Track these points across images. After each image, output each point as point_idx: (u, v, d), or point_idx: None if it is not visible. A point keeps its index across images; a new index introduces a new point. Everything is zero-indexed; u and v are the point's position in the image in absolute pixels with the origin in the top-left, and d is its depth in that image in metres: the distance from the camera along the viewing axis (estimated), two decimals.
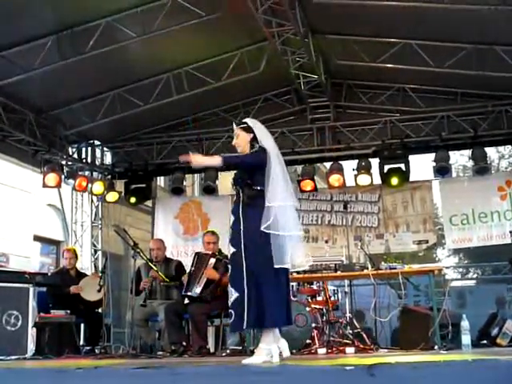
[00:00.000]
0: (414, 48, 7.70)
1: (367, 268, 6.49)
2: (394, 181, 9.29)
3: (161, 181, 12.88)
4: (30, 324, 6.37)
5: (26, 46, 7.09)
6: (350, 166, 9.57)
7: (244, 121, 4.45)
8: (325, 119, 9.48)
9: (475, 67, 7.57)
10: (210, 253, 6.70)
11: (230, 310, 4.13)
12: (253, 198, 4.14)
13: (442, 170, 9.17)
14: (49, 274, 8.27)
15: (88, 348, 7.23)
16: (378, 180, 9.49)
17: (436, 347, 5.87)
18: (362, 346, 6.16)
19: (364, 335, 6.60)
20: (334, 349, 5.97)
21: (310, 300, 6.95)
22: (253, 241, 4.09)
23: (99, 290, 6.81)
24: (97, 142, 10.22)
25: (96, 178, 10.23)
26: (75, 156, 9.88)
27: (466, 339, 5.68)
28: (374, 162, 9.50)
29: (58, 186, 9.44)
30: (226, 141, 9.30)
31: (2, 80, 7.43)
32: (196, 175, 13.30)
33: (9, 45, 7.03)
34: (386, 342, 7.37)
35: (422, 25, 7.30)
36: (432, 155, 9.19)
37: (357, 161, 9.46)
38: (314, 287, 6.97)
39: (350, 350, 5.86)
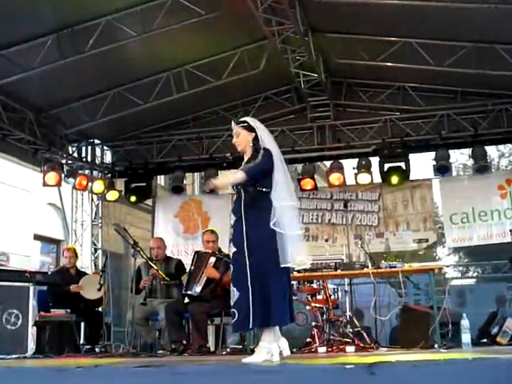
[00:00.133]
0: (414, 47, 7.69)
1: (367, 267, 6.49)
2: (394, 179, 9.29)
3: (161, 179, 12.89)
4: (31, 323, 6.36)
5: (26, 44, 7.07)
6: (350, 164, 9.57)
7: (244, 119, 4.44)
8: (325, 118, 9.48)
9: (475, 66, 7.56)
10: (210, 252, 6.70)
11: (232, 310, 4.13)
12: (256, 198, 4.14)
13: (442, 168, 9.17)
14: (49, 272, 8.27)
15: (88, 347, 7.24)
16: (378, 179, 9.49)
17: (436, 346, 5.87)
18: (362, 344, 6.16)
19: (364, 334, 6.61)
20: (334, 347, 5.97)
21: (310, 298, 6.96)
22: (256, 241, 4.09)
23: (99, 289, 6.81)
24: (97, 141, 10.22)
25: (96, 176, 10.22)
26: (75, 155, 9.88)
27: (466, 338, 5.68)
28: (374, 161, 9.51)
29: (58, 184, 9.44)
30: (226, 139, 9.29)
31: (2, 79, 7.42)
32: (196, 174, 13.33)
33: (8, 44, 7.02)
34: (386, 341, 7.37)
35: (422, 23, 7.30)
36: (432, 154, 9.18)
37: (357, 159, 9.45)
38: (314, 286, 6.97)
39: (350, 348, 5.85)
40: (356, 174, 9.40)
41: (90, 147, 10.14)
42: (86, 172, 10.12)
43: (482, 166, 9.12)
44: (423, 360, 2.94)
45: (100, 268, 8.70)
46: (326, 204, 9.93)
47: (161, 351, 6.51)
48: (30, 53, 7.10)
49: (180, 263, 7.30)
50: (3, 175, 10.31)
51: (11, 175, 10.53)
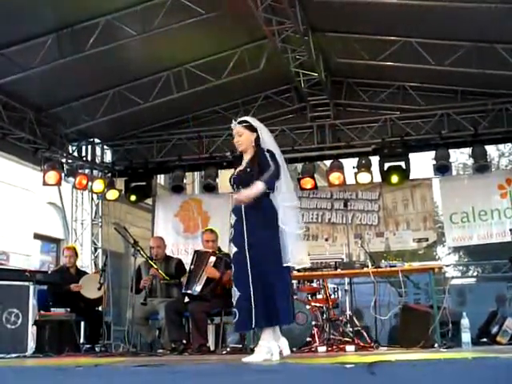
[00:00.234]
0: (414, 46, 7.70)
1: (367, 266, 6.49)
2: (394, 179, 9.29)
3: (161, 179, 12.89)
4: (31, 322, 6.35)
5: (26, 44, 7.08)
6: (350, 164, 9.56)
7: (245, 119, 4.43)
8: (325, 117, 9.48)
9: (475, 65, 7.56)
10: (210, 251, 6.70)
11: (233, 310, 4.13)
12: (257, 199, 4.14)
13: (442, 168, 9.17)
14: (49, 272, 8.28)
15: (88, 346, 7.24)
16: (378, 178, 9.49)
17: (436, 345, 5.87)
18: (362, 344, 6.17)
19: (364, 333, 6.61)
20: (334, 347, 5.96)
21: (310, 298, 6.96)
22: (257, 241, 4.10)
23: (99, 288, 6.82)
24: (97, 140, 10.22)
25: (96, 176, 10.22)
26: (75, 154, 9.88)
27: (466, 337, 5.69)
28: (374, 160, 9.52)
29: (58, 184, 9.44)
30: (225, 139, 9.30)
31: (2, 78, 7.43)
32: (196, 173, 13.32)
33: (8, 43, 7.02)
34: (386, 340, 7.37)
35: (422, 23, 7.30)
36: (432, 153, 9.18)
37: (357, 159, 9.45)
38: (314, 285, 6.97)
39: (350, 348, 5.85)
40: (356, 174, 9.40)
41: (90, 146, 10.14)
42: (86, 171, 10.12)
43: (481, 166, 9.12)
44: (423, 359, 2.95)
45: (100, 267, 8.70)
46: (325, 203, 9.93)
47: (161, 350, 6.50)
48: (30, 52, 7.10)
49: (180, 263, 7.29)
50: (3, 174, 10.31)
51: (11, 174, 10.52)
